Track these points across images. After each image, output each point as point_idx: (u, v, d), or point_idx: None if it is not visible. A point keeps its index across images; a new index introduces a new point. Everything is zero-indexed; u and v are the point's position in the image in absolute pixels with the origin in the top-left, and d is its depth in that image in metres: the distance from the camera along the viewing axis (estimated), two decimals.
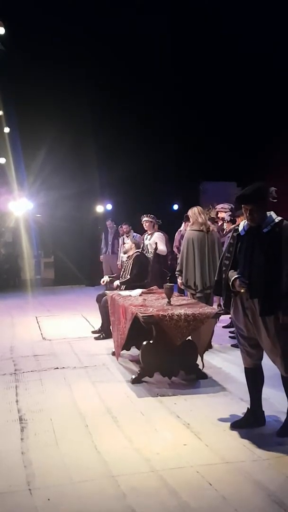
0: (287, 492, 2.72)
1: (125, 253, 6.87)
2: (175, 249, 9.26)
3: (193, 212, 5.97)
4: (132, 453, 3.21)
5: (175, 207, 14.50)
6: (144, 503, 2.64)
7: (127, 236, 9.79)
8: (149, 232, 7.86)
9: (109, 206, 14.46)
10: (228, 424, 3.63)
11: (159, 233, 7.72)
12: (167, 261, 8.56)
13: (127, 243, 6.92)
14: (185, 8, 11.63)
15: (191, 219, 6.05)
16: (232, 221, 6.77)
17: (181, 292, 6.94)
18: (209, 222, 6.32)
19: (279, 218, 3.39)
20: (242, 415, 3.66)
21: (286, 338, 3.32)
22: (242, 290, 3.35)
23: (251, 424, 3.56)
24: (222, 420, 3.72)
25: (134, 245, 6.76)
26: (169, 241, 9.33)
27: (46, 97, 12.53)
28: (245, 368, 3.63)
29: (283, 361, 3.35)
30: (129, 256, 6.67)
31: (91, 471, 2.98)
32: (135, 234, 9.56)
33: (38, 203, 14.57)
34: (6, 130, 13.70)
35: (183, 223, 9.08)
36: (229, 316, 7.36)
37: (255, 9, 11.00)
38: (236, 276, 3.40)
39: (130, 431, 3.55)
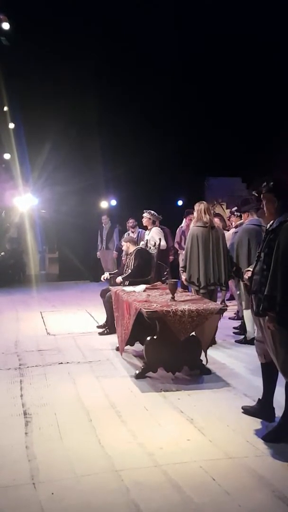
0: None
1: (126, 254, 6.88)
2: (176, 245, 9.28)
3: (199, 209, 5.94)
4: (136, 448, 3.22)
5: (180, 202, 14.46)
6: (147, 497, 2.65)
7: (133, 232, 9.83)
8: (148, 228, 8.10)
9: (113, 202, 14.45)
10: (232, 419, 3.64)
11: (157, 228, 7.91)
12: (166, 255, 8.67)
13: (123, 245, 6.92)
14: (190, 4, 11.58)
15: (196, 215, 6.02)
16: (240, 216, 6.74)
17: (185, 288, 6.94)
18: (215, 219, 6.30)
19: None
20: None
21: (281, 343, 3.20)
22: (246, 283, 3.40)
23: (259, 414, 3.57)
24: (225, 415, 3.72)
25: (129, 243, 6.75)
26: (172, 237, 9.37)
27: (50, 93, 12.52)
28: (260, 363, 3.59)
29: (281, 367, 3.28)
30: (130, 253, 6.67)
31: (95, 466, 2.99)
32: (140, 230, 9.60)
33: (43, 198, 14.58)
34: (11, 125, 13.70)
35: (184, 219, 9.12)
36: (234, 312, 7.39)
37: (263, 7, 10.95)
38: (247, 269, 3.44)
39: (134, 426, 3.56)
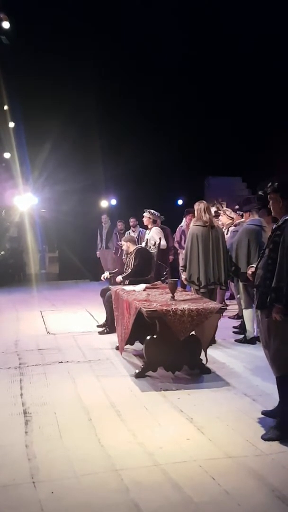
0: None
1: (126, 253, 6.88)
2: (176, 244, 9.28)
3: (199, 208, 5.94)
4: (136, 447, 3.23)
5: (180, 202, 14.46)
6: (147, 497, 2.65)
7: (133, 231, 9.84)
8: (149, 227, 8.12)
9: (113, 201, 14.45)
10: (232, 418, 3.64)
11: (157, 228, 7.93)
12: (166, 255, 8.69)
13: (124, 244, 6.91)
14: (191, 2, 11.57)
15: (196, 215, 6.02)
16: (242, 215, 6.72)
17: (184, 287, 6.93)
18: (218, 220, 6.30)
19: None
20: (245, 409, 3.70)
21: (275, 336, 3.28)
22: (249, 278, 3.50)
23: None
24: (225, 414, 3.72)
25: (129, 243, 6.75)
26: (172, 236, 9.36)
27: (50, 92, 12.52)
28: None
29: (271, 359, 3.35)
30: (130, 252, 6.67)
31: (95, 465, 3.00)
32: (141, 229, 9.60)
33: (43, 198, 14.59)
34: (11, 125, 13.71)
35: (184, 219, 9.11)
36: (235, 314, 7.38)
37: (263, 7, 10.93)
38: (250, 266, 3.54)
39: (134, 425, 3.56)
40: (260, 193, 3.43)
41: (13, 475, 2.89)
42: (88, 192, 13.23)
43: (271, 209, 3.50)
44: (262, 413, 3.67)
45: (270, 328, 3.31)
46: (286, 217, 3.32)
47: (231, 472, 2.90)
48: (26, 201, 14.01)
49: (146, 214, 7.97)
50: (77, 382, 4.55)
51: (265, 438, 3.30)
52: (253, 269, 3.63)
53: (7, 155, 14.03)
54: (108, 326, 6.36)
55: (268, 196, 3.47)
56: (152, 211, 7.98)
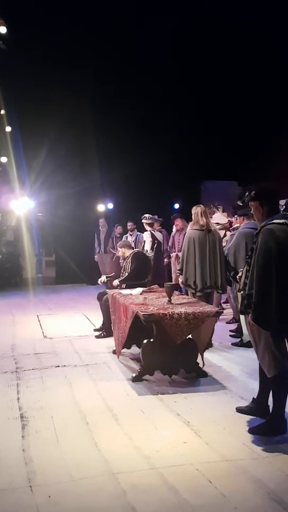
0: (287, 490, 2.73)
1: (122, 258, 6.91)
2: (168, 248, 9.32)
3: (196, 212, 5.96)
4: (132, 451, 3.23)
5: (176, 206, 14.50)
6: (143, 500, 2.66)
7: (131, 235, 9.88)
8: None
9: (110, 205, 14.48)
10: (228, 422, 3.65)
11: (148, 232, 8.16)
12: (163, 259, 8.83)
13: (119, 250, 6.94)
14: (186, 6, 11.62)
15: (193, 218, 6.05)
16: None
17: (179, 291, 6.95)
18: (214, 224, 6.35)
19: (269, 224, 3.32)
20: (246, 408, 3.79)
21: (259, 339, 3.38)
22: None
23: (254, 412, 3.66)
24: (222, 418, 3.73)
25: (124, 249, 6.77)
26: (167, 240, 9.41)
27: (47, 96, 12.55)
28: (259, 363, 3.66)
29: (260, 362, 3.45)
30: (126, 256, 6.69)
31: (91, 469, 3.00)
32: (138, 233, 9.65)
33: (40, 201, 14.61)
34: (8, 129, 13.73)
35: (174, 225, 9.13)
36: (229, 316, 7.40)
37: (256, 7, 10.98)
38: (240, 269, 3.77)
39: (130, 429, 3.57)
40: (238, 203, 3.56)
41: (10, 479, 2.89)
42: (85, 196, 13.26)
43: (254, 216, 3.58)
44: (237, 410, 3.79)
45: (254, 332, 3.40)
46: (263, 224, 3.39)
47: (227, 475, 2.90)
48: (23, 205, 14.03)
49: (144, 221, 8.31)
50: (74, 386, 4.55)
51: (254, 432, 3.40)
52: (240, 274, 3.76)
53: (3, 159, 14.04)
54: (105, 330, 6.36)
55: (249, 204, 3.57)
56: (148, 215, 8.12)
